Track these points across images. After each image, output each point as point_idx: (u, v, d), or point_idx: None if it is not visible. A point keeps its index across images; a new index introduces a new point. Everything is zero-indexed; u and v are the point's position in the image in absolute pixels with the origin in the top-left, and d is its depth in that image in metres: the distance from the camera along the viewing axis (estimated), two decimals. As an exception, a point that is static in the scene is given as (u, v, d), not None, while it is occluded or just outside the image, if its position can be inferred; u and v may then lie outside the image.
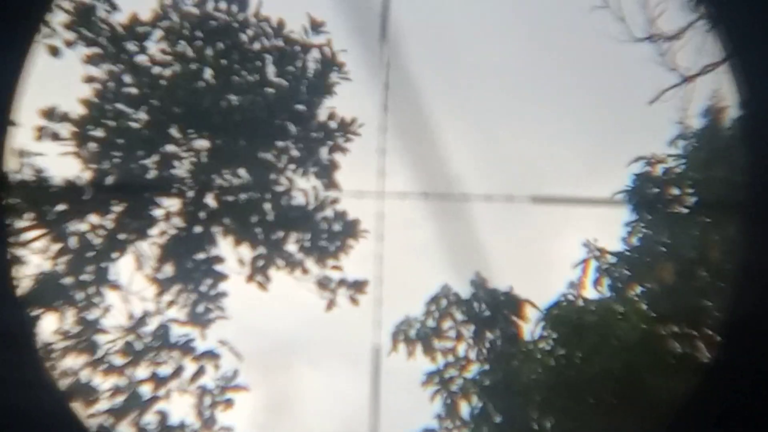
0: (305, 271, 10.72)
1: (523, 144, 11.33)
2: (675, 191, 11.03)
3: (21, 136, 10.59)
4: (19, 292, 9.60)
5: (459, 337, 11.03)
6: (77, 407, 10.18)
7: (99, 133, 10.49)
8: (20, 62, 6.21)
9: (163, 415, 10.46)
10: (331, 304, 10.67)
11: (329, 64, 10.67)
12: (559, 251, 11.09)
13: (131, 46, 10.55)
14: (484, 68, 11.25)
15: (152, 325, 10.58)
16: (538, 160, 11.26)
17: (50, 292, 10.47)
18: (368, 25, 10.53)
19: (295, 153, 10.66)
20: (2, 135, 6.56)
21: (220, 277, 10.64)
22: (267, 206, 10.65)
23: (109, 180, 10.49)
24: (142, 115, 10.50)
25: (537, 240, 10.73)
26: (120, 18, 10.56)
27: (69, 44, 10.57)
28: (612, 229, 10.86)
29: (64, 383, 10.28)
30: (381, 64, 10.55)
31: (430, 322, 10.92)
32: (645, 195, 10.86)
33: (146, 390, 10.49)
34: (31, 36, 6.39)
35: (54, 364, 10.43)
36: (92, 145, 10.48)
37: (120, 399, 10.45)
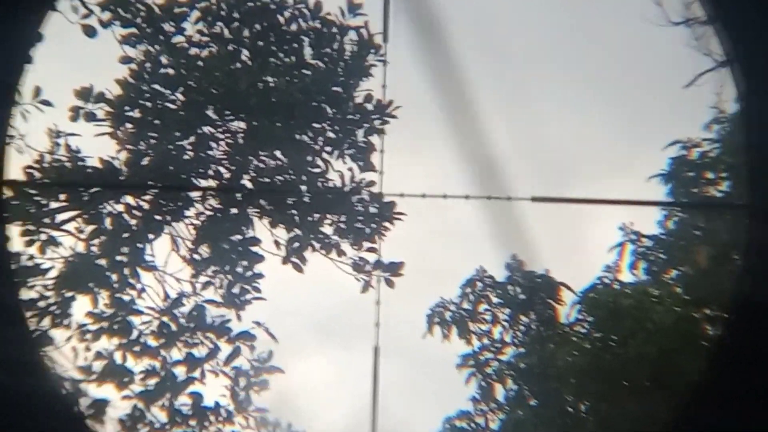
0: (341, 253, 10.73)
1: (556, 128, 11.34)
2: (710, 175, 11.08)
3: (56, 117, 10.61)
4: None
5: (494, 320, 11.07)
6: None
7: (135, 113, 10.47)
8: (26, 45, 6.18)
9: (197, 397, 10.47)
10: (366, 287, 10.67)
11: (366, 45, 10.66)
12: (596, 234, 11.10)
13: (168, 27, 10.54)
14: (516, 52, 11.25)
15: (187, 306, 10.57)
16: (572, 144, 11.28)
17: (84, 273, 10.44)
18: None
19: (331, 135, 10.66)
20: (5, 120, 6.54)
21: (256, 258, 10.63)
22: (303, 188, 10.64)
23: (145, 161, 10.48)
24: (179, 96, 10.48)
25: (573, 224, 10.69)
26: (157, -2, 10.58)
27: (105, 24, 10.57)
28: (649, 213, 10.90)
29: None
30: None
31: (466, 305, 10.97)
32: (680, 179, 10.90)
33: (180, 372, 10.52)
34: (38, 19, 6.37)
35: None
36: (128, 126, 10.47)
37: (154, 381, 10.44)
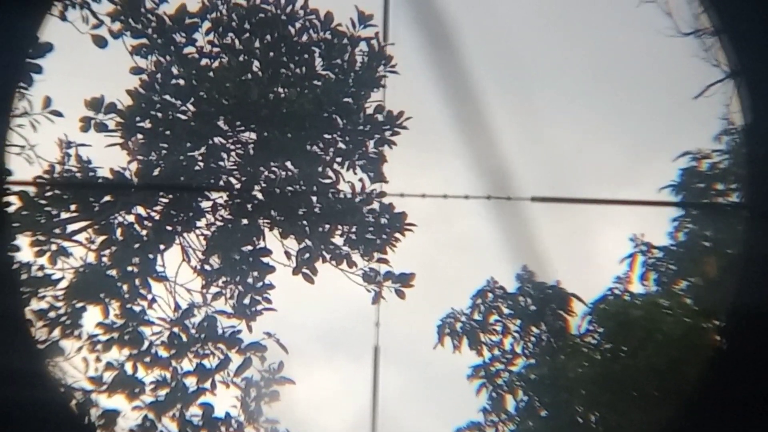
0: (351, 263, 10.73)
1: (565, 140, 11.36)
2: (720, 186, 11.09)
3: (66, 127, 10.60)
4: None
5: (505, 331, 11.08)
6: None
7: (146, 124, 10.47)
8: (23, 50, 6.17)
9: (207, 408, 10.46)
10: (377, 298, 10.68)
11: (377, 56, 10.66)
12: (606, 247, 11.12)
13: (179, 38, 10.53)
14: (526, 62, 11.25)
15: (198, 317, 10.57)
16: (581, 156, 11.30)
17: (95, 284, 10.44)
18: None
19: (341, 146, 10.66)
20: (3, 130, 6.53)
21: (267, 269, 10.64)
22: (313, 199, 10.65)
23: (156, 171, 10.47)
24: (190, 107, 10.47)
25: (583, 236, 10.71)
26: (167, 9, 10.57)
27: (115, 35, 10.56)
28: (659, 224, 10.92)
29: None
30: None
31: (477, 316, 10.98)
32: (690, 190, 10.92)
33: (191, 382, 10.52)
34: (33, 31, 6.36)
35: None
36: (139, 137, 10.46)
37: (164, 391, 10.44)
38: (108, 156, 10.52)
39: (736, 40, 5.96)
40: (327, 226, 10.65)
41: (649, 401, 10.49)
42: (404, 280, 10.64)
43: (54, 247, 10.50)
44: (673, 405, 10.82)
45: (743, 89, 5.97)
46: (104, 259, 10.52)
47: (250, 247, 10.59)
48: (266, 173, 10.56)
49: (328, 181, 10.62)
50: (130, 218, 10.52)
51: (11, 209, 10.19)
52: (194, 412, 10.43)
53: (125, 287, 10.45)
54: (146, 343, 10.43)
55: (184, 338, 10.49)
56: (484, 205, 9.93)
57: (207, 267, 10.61)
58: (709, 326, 10.84)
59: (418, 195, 10.33)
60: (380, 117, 10.69)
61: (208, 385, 10.43)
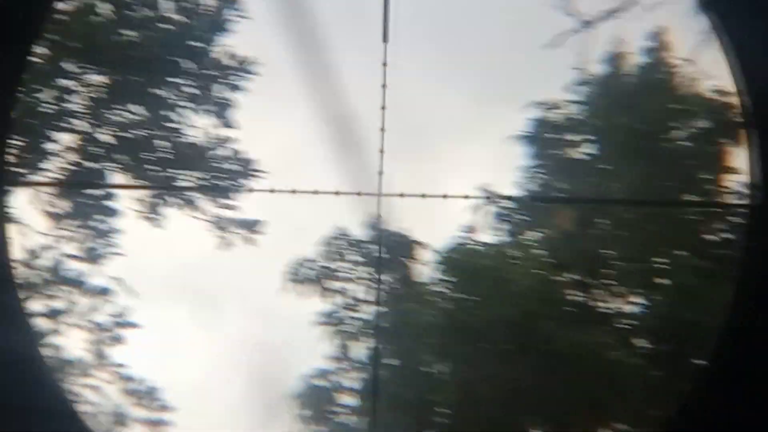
0: (201, 210, 10.70)
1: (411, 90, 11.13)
2: (574, 137, 10.96)
3: None
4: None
5: (355, 278, 11.02)
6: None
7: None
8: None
9: (56, 349, 10.49)
10: (226, 244, 10.67)
11: (226, 1, 10.57)
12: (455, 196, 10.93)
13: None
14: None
15: (47, 259, 10.58)
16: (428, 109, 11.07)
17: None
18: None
19: (191, 90, 10.58)
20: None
21: (115, 213, 10.62)
22: (163, 143, 10.59)
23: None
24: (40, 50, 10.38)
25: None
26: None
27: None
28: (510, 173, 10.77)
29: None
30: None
31: (326, 263, 10.92)
32: (542, 140, 10.80)
33: (41, 324, 10.53)
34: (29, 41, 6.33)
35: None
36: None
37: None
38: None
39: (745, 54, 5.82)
40: (176, 171, 10.60)
41: (501, 353, 10.42)
42: (253, 227, 10.63)
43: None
44: (525, 357, 10.75)
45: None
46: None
47: (98, 191, 10.58)
48: (114, 116, 10.51)
49: (176, 125, 10.58)
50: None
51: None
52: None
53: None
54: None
55: (34, 280, 10.52)
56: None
57: (56, 210, 10.61)
58: (560, 278, 10.79)
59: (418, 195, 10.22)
60: (232, 62, 10.62)
61: (56, 327, 10.50)
